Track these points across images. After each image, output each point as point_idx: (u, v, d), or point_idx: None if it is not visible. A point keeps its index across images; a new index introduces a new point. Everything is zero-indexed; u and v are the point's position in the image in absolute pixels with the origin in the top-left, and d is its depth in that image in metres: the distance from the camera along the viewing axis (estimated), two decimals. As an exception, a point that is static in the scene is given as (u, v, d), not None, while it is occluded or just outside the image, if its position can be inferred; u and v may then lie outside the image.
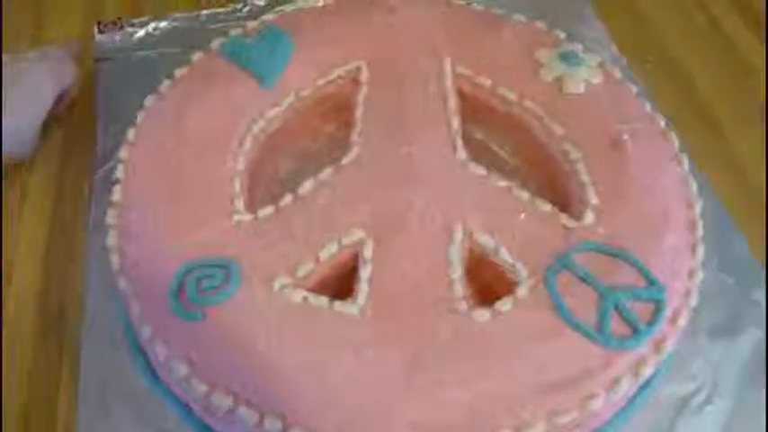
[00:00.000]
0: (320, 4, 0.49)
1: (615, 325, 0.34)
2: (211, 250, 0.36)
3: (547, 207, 0.39)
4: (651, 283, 0.36)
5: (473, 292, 0.37)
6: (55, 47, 0.53)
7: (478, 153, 0.44)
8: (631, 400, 0.37)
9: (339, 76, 0.46)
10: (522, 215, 0.39)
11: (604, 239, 0.37)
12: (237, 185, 0.40)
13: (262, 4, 0.59)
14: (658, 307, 0.35)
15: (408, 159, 0.41)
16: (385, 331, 0.34)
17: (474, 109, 0.45)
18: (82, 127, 0.52)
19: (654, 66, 0.56)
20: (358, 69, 0.46)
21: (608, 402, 0.33)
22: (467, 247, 0.38)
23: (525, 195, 0.40)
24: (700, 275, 0.37)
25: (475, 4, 0.50)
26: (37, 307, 0.44)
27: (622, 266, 0.36)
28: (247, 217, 0.38)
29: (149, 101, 0.43)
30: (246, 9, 0.59)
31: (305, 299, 0.35)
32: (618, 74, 0.46)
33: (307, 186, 0.40)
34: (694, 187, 0.41)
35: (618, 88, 0.45)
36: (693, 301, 0.36)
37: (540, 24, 0.48)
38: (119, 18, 0.57)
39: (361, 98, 0.45)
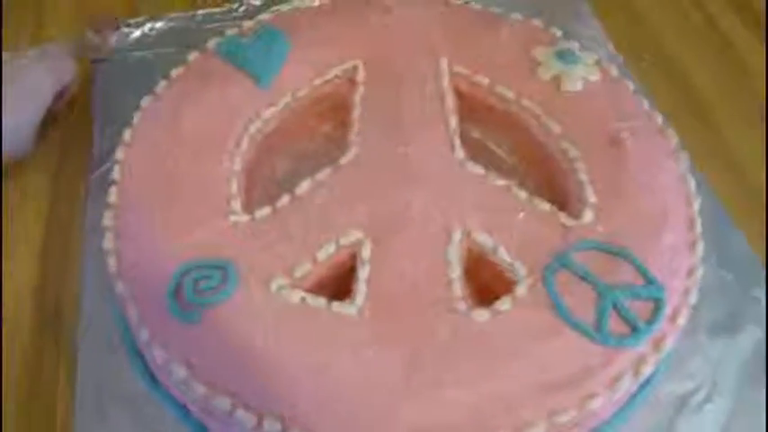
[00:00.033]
0: (316, 3, 0.49)
1: (614, 324, 0.34)
2: (208, 251, 0.36)
3: (545, 206, 0.39)
4: (650, 281, 0.35)
5: (472, 291, 0.37)
6: (54, 45, 0.53)
7: (476, 152, 0.43)
8: (631, 399, 0.37)
9: (336, 76, 0.46)
10: (521, 214, 0.39)
11: (603, 238, 0.37)
12: (234, 186, 0.40)
13: (258, 3, 0.59)
14: (657, 305, 0.35)
15: (406, 159, 0.41)
16: (384, 332, 0.34)
17: (471, 108, 0.45)
18: (78, 128, 0.52)
19: (650, 64, 0.56)
20: (354, 69, 0.46)
21: (607, 401, 0.33)
22: (465, 246, 0.38)
23: (523, 194, 0.40)
24: (699, 273, 0.37)
25: (472, 3, 0.50)
26: (34, 304, 0.43)
27: (621, 265, 0.36)
28: (244, 218, 0.38)
29: (146, 101, 0.43)
30: (242, 9, 0.59)
31: (303, 299, 0.35)
32: (615, 71, 0.46)
33: (304, 187, 0.40)
34: (692, 184, 0.41)
35: (615, 86, 0.45)
36: (693, 300, 0.36)
37: (537, 22, 0.48)
38: (115, 18, 0.57)
39: (357, 98, 0.45)
